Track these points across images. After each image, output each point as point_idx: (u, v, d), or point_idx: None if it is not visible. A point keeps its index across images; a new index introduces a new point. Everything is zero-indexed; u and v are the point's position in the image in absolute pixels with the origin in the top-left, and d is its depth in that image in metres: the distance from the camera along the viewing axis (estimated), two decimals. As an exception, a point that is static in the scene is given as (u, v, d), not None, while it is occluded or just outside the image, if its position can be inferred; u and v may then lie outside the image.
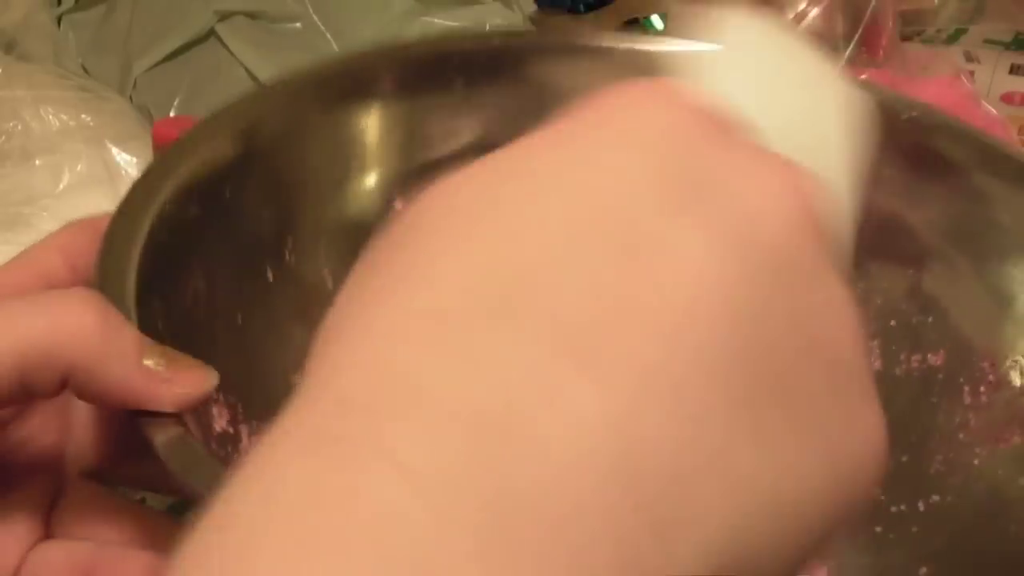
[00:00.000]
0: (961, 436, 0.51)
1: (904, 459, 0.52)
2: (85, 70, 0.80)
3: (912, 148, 0.56)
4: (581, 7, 0.89)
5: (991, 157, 0.55)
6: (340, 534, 0.15)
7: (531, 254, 0.19)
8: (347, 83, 0.50)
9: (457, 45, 0.52)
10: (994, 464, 0.49)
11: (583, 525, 0.16)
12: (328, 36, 0.79)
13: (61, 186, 0.64)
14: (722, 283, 0.19)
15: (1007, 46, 1.08)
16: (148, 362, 0.29)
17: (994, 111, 0.91)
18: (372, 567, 0.15)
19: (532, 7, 0.91)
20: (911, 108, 0.57)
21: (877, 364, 0.55)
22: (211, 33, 0.79)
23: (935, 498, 0.50)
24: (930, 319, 0.54)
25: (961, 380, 0.52)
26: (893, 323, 0.55)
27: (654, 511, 0.17)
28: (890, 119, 0.56)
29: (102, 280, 0.35)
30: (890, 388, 0.54)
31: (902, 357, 0.54)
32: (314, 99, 0.49)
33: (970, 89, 0.92)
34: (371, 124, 0.50)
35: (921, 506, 0.50)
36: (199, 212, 0.43)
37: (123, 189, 0.68)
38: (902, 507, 0.51)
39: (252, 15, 0.78)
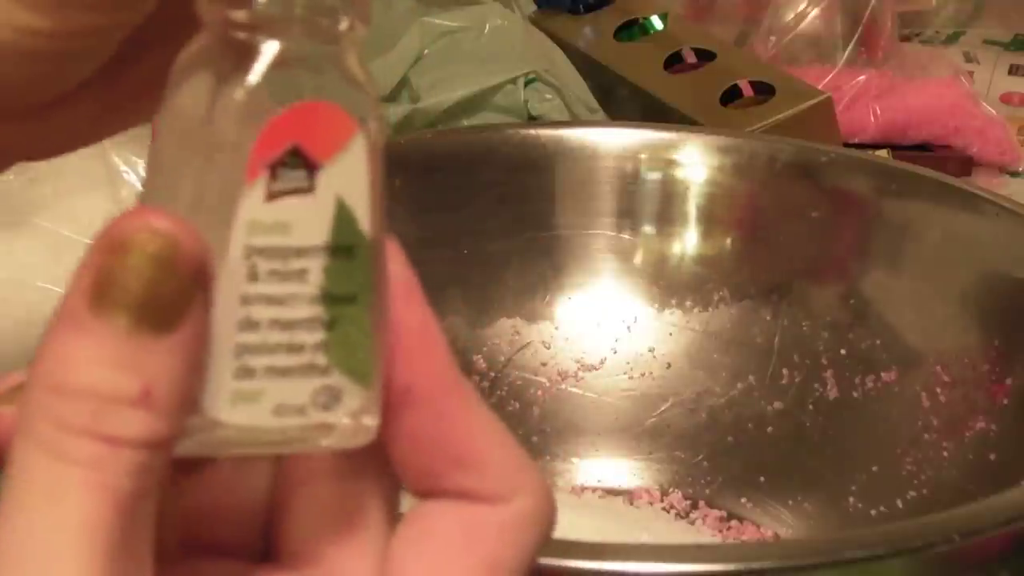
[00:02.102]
0: (927, 437, 0.52)
1: (875, 469, 0.53)
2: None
3: (834, 188, 0.59)
4: (581, 7, 0.89)
5: (906, 182, 0.58)
6: None
7: None
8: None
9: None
10: (963, 451, 0.51)
11: None
12: (328, 36, 0.79)
13: (61, 188, 0.64)
14: None
15: (1006, 47, 1.09)
16: None
17: (993, 111, 0.91)
18: None
19: (532, 7, 0.91)
20: (826, 152, 0.60)
21: (834, 392, 0.56)
22: (211, 33, 0.79)
23: (911, 494, 0.51)
24: (878, 341, 0.56)
25: (917, 388, 0.53)
26: (843, 352, 0.57)
27: None
28: (809, 165, 0.59)
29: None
30: (849, 413, 0.55)
31: (857, 381, 0.56)
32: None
33: (969, 89, 0.92)
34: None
35: (900, 503, 0.51)
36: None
37: (123, 191, 0.68)
38: (881, 508, 0.52)
39: (252, 15, 0.78)
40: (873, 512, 0.52)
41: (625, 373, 0.60)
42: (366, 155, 0.21)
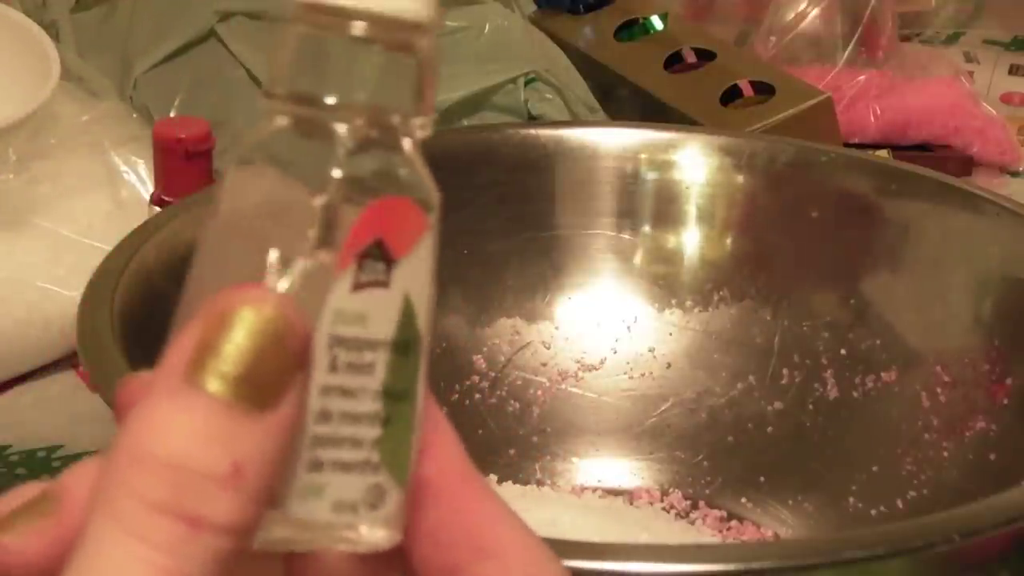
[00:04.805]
0: (927, 436, 0.52)
1: (875, 469, 0.53)
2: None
3: (834, 188, 0.59)
4: (581, 7, 0.89)
5: (906, 182, 0.57)
6: None
7: None
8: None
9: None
10: (963, 451, 0.51)
11: None
12: (328, 36, 0.79)
13: (61, 188, 0.64)
14: None
15: (1006, 47, 1.09)
16: None
17: (993, 111, 0.91)
18: None
19: (532, 7, 0.91)
20: (826, 152, 0.60)
21: (834, 392, 0.56)
22: (211, 33, 0.79)
23: (911, 494, 0.51)
24: (878, 341, 0.56)
25: (917, 387, 0.53)
26: (843, 352, 0.57)
27: None
28: (809, 165, 0.59)
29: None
30: (849, 412, 0.55)
31: (857, 381, 0.56)
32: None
33: (969, 89, 0.92)
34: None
35: (900, 503, 0.51)
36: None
37: (123, 191, 0.68)
38: (881, 508, 0.52)
39: (252, 15, 0.78)
40: (873, 512, 0.52)
41: (625, 373, 0.60)
42: (431, 253, 0.21)
